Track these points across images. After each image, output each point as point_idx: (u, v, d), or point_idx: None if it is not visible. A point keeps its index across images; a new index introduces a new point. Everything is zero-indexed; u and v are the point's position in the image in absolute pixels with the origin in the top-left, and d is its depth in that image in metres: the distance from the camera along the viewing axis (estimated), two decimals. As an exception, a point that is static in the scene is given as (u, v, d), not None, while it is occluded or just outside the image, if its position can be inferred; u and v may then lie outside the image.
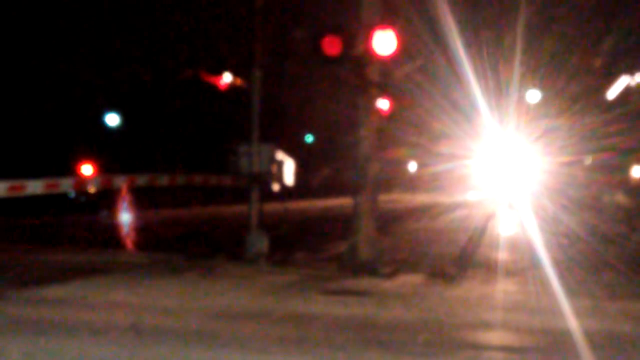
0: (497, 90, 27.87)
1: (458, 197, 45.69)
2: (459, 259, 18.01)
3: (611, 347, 9.56)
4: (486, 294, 13.49)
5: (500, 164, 39.53)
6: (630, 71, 36.90)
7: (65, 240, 21.70)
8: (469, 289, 14.08)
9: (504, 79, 28.33)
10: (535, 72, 31.78)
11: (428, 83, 16.91)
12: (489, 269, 16.45)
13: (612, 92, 37.71)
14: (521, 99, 32.06)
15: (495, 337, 10.24)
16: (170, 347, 9.04)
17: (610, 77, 36.63)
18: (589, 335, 9.66)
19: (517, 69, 28.04)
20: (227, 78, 19.73)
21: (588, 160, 37.65)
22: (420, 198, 43.55)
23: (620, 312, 11.73)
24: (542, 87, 34.02)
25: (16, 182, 27.28)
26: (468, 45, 16.57)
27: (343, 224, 18.19)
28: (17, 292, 12.63)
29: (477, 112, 20.99)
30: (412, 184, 49.85)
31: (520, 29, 25.98)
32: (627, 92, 37.23)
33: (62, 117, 39.06)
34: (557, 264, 15.59)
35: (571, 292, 12.66)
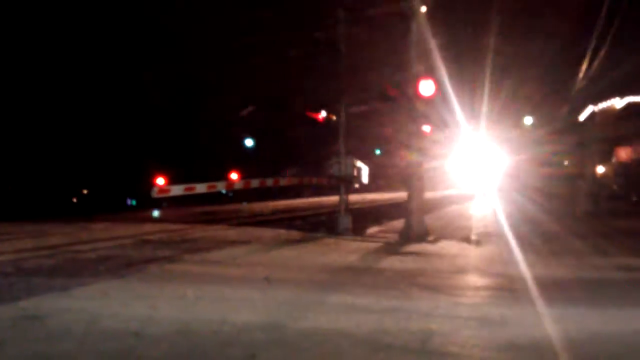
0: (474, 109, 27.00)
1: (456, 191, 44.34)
2: None
3: (553, 286, 9.62)
4: (497, 253, 13.42)
5: (475, 163, 38.75)
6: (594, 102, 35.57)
7: (220, 221, 22.06)
8: (486, 249, 14.02)
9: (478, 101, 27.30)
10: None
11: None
12: (499, 237, 16.28)
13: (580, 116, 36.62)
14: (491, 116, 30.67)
15: (495, 282, 10.16)
16: (291, 291, 9.19)
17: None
18: (538, 279, 9.96)
19: (485, 95, 27.10)
20: (323, 114, 19.84)
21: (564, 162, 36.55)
22: (443, 192, 42.49)
23: (561, 264, 11.82)
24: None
25: (189, 185, 27.83)
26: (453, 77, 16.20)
27: (401, 208, 18.18)
28: (190, 256, 12.91)
29: (459, 124, 20.68)
30: (444, 181, 47.95)
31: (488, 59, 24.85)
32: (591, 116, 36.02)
33: (218, 142, 40.13)
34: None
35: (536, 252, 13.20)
